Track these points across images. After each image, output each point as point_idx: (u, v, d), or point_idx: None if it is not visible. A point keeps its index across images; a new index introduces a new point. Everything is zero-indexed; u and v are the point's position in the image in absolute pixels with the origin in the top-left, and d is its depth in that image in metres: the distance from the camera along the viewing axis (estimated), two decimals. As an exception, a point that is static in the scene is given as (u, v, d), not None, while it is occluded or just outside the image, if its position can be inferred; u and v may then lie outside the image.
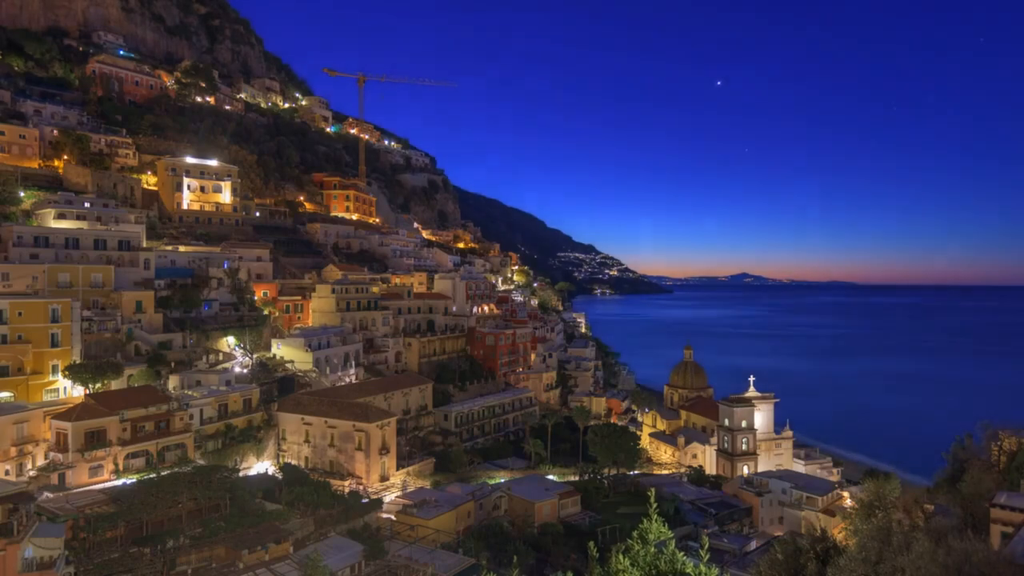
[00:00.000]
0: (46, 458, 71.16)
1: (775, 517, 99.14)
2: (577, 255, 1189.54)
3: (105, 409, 73.20)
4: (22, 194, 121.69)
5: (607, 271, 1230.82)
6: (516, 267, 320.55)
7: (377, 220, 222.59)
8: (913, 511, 54.94)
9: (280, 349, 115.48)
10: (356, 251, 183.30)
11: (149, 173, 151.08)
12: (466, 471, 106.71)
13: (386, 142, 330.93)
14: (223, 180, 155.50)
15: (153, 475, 70.79)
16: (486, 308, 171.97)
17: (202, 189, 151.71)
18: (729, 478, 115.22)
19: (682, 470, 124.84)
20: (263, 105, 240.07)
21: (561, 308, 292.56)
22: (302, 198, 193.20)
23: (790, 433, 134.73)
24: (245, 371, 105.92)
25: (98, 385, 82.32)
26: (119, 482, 69.92)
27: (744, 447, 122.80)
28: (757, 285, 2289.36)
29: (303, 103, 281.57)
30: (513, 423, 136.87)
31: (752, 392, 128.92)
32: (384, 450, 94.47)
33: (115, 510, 60.59)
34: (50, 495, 64.72)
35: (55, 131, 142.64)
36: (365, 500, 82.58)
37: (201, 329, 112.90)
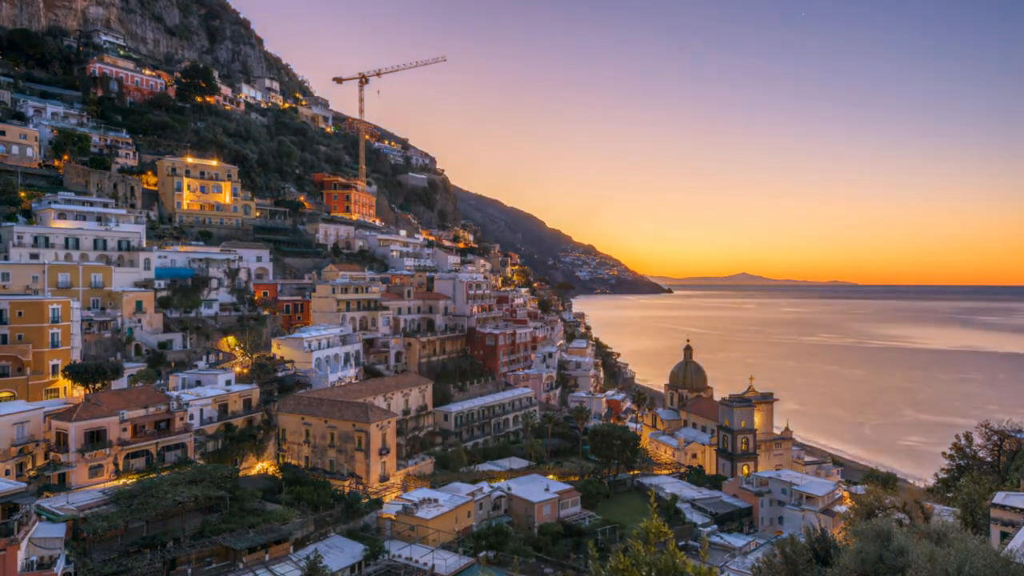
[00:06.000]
0: (46, 458, 71.09)
1: (775, 517, 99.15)
2: (577, 255, 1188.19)
3: (105, 409, 73.17)
4: (22, 194, 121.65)
5: (607, 271, 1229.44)
6: (516, 267, 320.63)
7: (377, 220, 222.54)
8: (913, 511, 54.94)
9: (280, 349, 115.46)
10: (356, 251, 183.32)
11: (149, 173, 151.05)
12: (466, 471, 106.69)
13: (386, 142, 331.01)
14: (223, 180, 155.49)
15: (153, 475, 70.77)
16: (486, 308, 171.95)
17: (202, 189, 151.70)
18: (729, 478, 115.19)
19: (682, 470, 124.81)
20: (263, 105, 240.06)
21: (561, 308, 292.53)
22: (302, 198, 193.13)
23: (790, 433, 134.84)
24: (245, 371, 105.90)
25: (98, 385, 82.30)
26: (119, 482, 69.86)
27: (744, 447, 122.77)
28: (758, 286, 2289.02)
29: (303, 103, 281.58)
30: (513, 423, 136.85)
31: (752, 392, 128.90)
32: (384, 450, 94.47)
33: (115, 510, 60.57)
34: (50, 495, 64.70)
35: (55, 131, 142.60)
36: (365, 500, 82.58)
37: (201, 329, 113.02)
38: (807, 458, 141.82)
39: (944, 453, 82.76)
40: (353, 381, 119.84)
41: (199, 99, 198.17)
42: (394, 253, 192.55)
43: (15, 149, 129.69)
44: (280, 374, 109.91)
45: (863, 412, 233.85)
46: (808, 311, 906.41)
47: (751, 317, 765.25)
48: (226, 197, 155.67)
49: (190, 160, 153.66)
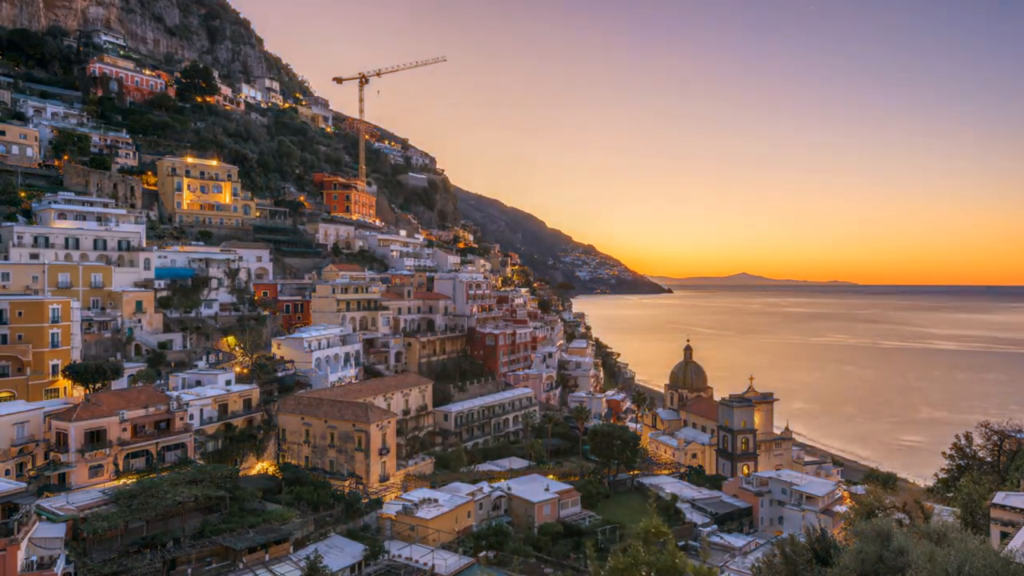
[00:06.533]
0: (46, 458, 71.10)
1: (775, 517, 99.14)
2: (577, 255, 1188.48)
3: (105, 409, 73.18)
4: (22, 194, 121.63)
5: (607, 271, 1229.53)
6: (516, 267, 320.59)
7: (377, 220, 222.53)
8: (913, 511, 54.95)
9: (280, 349, 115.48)
10: (356, 251, 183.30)
11: (149, 173, 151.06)
12: (466, 471, 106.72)
13: (386, 142, 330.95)
14: (223, 180, 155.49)
15: (153, 475, 70.77)
16: (486, 308, 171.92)
17: (202, 189, 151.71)
18: (729, 478, 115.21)
19: (682, 470, 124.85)
20: (263, 105, 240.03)
21: (561, 308, 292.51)
22: (302, 198, 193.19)
23: (790, 433, 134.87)
24: (245, 371, 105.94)
25: (98, 385, 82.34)
26: (119, 482, 69.88)
27: (744, 447, 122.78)
28: (758, 286, 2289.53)
29: (303, 103, 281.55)
30: (513, 423, 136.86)
31: (752, 392, 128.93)
32: (384, 450, 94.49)
33: (115, 510, 60.55)
34: (50, 495, 64.70)
35: (55, 131, 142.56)
36: (365, 500, 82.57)
37: (201, 329, 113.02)
38: (807, 458, 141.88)
39: (944, 453, 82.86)
40: (353, 381, 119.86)
41: (199, 99, 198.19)
42: (394, 253, 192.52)
43: (15, 149, 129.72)
44: (280, 374, 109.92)
45: (876, 412, 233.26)
46: (811, 310, 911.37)
47: (759, 317, 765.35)
48: (226, 197, 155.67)
49: (190, 160, 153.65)
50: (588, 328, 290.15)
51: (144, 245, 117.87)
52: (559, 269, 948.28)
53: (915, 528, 31.62)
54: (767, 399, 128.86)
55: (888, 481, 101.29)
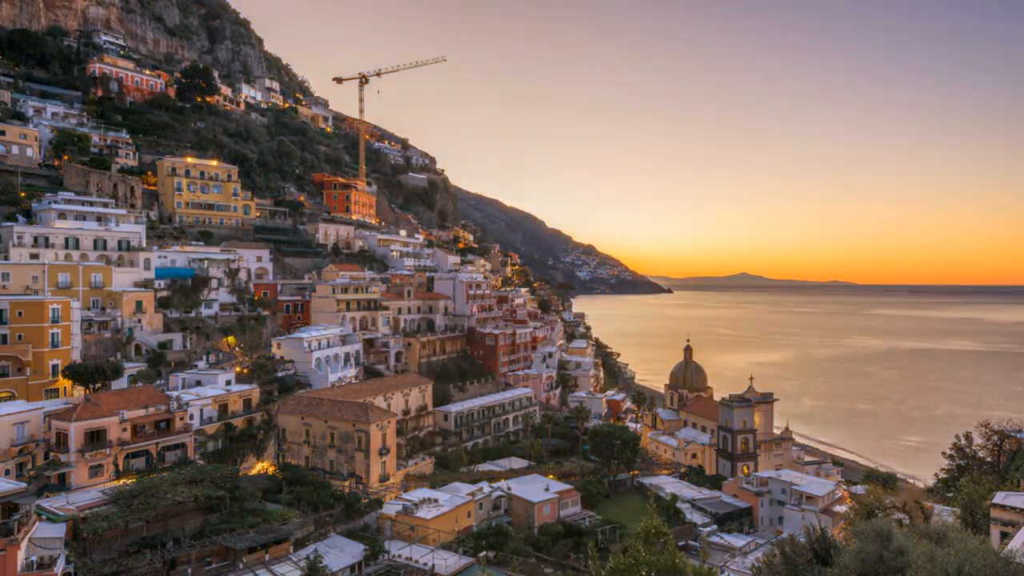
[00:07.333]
0: (46, 458, 71.09)
1: (775, 517, 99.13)
2: (577, 255, 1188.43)
3: (105, 409, 73.16)
4: (22, 194, 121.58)
5: (607, 271, 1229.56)
6: (516, 267, 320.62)
7: (377, 220, 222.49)
8: (913, 511, 54.93)
9: (280, 349, 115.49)
10: (356, 251, 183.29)
11: (149, 173, 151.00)
12: (466, 471, 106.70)
13: (386, 142, 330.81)
14: (223, 180, 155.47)
15: (153, 475, 70.74)
16: (486, 308, 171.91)
17: (202, 189, 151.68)
18: (729, 478, 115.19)
19: (682, 470, 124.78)
20: (263, 105, 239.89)
21: (561, 308, 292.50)
22: (302, 198, 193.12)
23: (790, 433, 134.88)
24: (245, 371, 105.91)
25: (98, 385, 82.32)
26: (119, 482, 69.86)
27: (744, 447, 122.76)
28: (759, 285, 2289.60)
29: (303, 103, 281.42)
30: (513, 423, 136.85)
31: (752, 392, 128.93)
32: (384, 450, 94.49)
33: (115, 510, 60.56)
34: (50, 495, 64.70)
35: (55, 131, 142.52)
36: (365, 500, 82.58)
37: (201, 329, 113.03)
38: (807, 458, 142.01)
39: (944, 453, 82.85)
40: (353, 381, 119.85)
41: (199, 99, 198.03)
42: (394, 253, 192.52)
43: (15, 149, 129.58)
44: (280, 374, 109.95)
45: (886, 413, 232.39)
46: (818, 310, 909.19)
47: (767, 317, 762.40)
48: (226, 197, 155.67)
49: (190, 160, 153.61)
50: (588, 328, 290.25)
51: (144, 245, 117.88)
52: (559, 269, 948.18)
53: (915, 528, 31.60)
54: (767, 399, 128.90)
55: (888, 481, 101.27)
